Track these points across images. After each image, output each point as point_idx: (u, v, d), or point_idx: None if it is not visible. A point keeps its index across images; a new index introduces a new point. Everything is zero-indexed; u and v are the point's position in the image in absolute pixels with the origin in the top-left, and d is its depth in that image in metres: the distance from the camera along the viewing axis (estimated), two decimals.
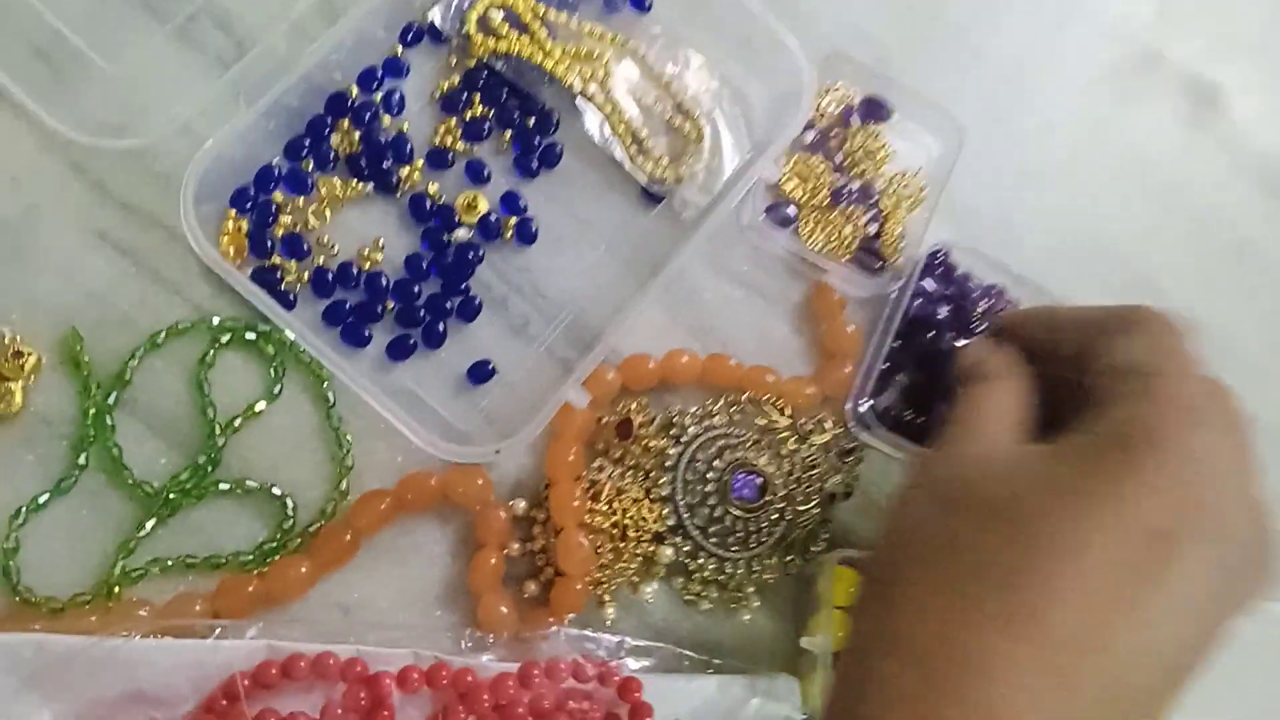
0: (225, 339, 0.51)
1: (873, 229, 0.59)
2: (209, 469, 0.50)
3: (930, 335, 0.57)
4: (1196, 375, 0.39)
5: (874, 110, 0.60)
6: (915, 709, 0.33)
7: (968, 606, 0.34)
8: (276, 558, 0.50)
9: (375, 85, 0.54)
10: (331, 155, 0.53)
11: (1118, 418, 0.37)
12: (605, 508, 0.52)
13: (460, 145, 0.55)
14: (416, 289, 0.53)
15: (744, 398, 0.55)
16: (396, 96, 0.54)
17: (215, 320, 0.51)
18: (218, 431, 0.50)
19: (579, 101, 0.56)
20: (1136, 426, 0.36)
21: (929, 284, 0.58)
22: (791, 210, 0.58)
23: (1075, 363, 0.42)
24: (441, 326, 0.53)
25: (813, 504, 0.54)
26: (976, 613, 0.34)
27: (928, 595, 0.35)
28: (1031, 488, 0.36)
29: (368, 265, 0.53)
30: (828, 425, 0.56)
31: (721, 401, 0.55)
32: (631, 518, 0.52)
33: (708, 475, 0.54)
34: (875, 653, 0.36)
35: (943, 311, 0.57)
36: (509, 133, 0.55)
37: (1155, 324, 0.41)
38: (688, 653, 0.52)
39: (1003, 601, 0.34)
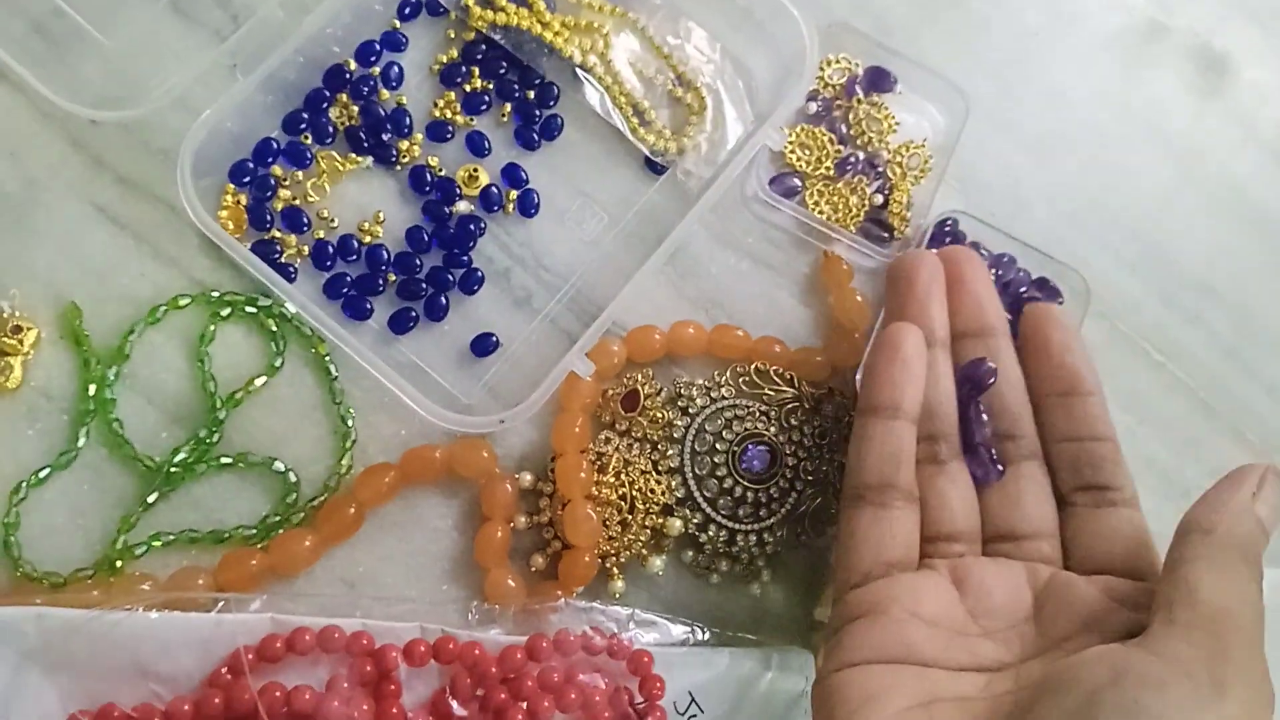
0: (225, 313, 0.50)
1: (879, 199, 0.58)
2: (211, 443, 0.49)
3: None
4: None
5: (878, 81, 0.59)
6: None
7: None
8: (280, 532, 0.49)
9: (373, 58, 0.54)
10: (330, 128, 0.53)
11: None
12: (613, 480, 0.51)
13: (460, 118, 0.54)
14: (418, 262, 0.52)
15: (751, 368, 0.54)
16: (395, 70, 0.54)
17: (215, 294, 0.50)
18: (219, 405, 0.49)
19: (579, 73, 0.55)
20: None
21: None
22: (796, 181, 0.57)
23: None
24: (444, 299, 0.52)
25: (824, 474, 0.53)
26: None
27: None
28: None
29: (368, 238, 0.52)
30: (838, 395, 0.55)
31: (729, 373, 0.54)
32: (639, 490, 0.52)
33: (716, 446, 0.53)
34: None
35: None
36: (509, 105, 0.55)
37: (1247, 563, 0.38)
38: (698, 625, 0.51)
39: None
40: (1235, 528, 0.38)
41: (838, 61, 0.60)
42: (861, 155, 0.58)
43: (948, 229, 0.58)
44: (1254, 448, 0.61)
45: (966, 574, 0.44)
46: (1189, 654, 0.34)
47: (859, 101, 0.59)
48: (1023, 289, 0.57)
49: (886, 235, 0.58)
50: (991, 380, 0.48)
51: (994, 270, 0.57)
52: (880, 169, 0.58)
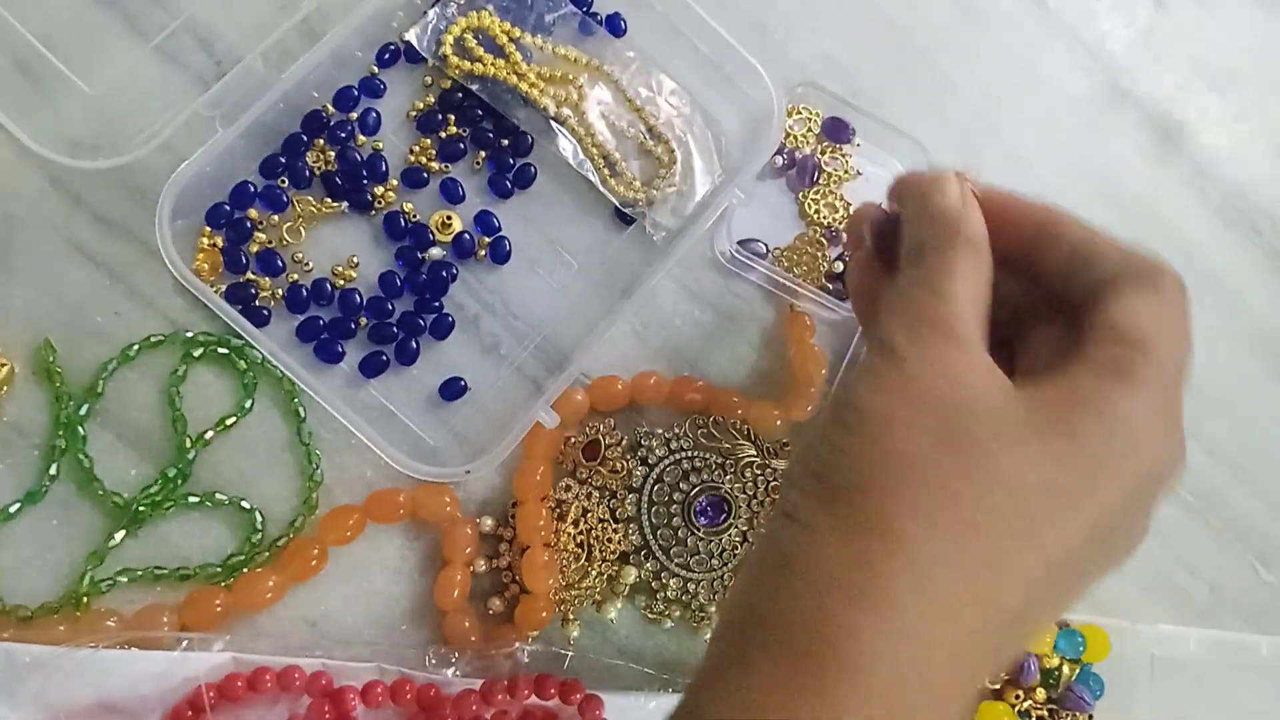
0: (198, 353, 0.51)
1: (839, 266, 0.60)
2: (179, 481, 0.50)
3: None
4: (1185, 359, 0.37)
5: (837, 132, 0.61)
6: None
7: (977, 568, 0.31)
8: (244, 571, 0.50)
9: (352, 105, 0.55)
10: (308, 173, 0.54)
11: (1106, 397, 0.34)
12: (571, 528, 0.53)
13: (435, 165, 0.56)
14: (390, 306, 0.53)
15: (710, 421, 0.56)
16: (373, 116, 0.55)
17: (188, 334, 0.51)
18: (188, 444, 0.50)
19: (553, 124, 0.56)
20: (1121, 424, 0.33)
21: None
22: (763, 245, 0.59)
23: (1054, 280, 0.39)
24: (415, 343, 0.53)
25: None
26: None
27: (941, 543, 0.31)
28: (1021, 444, 0.32)
29: (342, 282, 0.53)
30: (791, 450, 0.57)
31: (688, 424, 0.56)
32: (597, 537, 0.53)
33: (674, 497, 0.55)
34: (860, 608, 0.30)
35: None
36: (484, 153, 0.56)
37: (1171, 291, 0.38)
38: (649, 671, 0.53)
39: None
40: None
41: (799, 112, 0.61)
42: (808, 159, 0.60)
43: None
44: (1190, 506, 0.63)
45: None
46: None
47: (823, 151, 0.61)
48: None
49: (844, 294, 0.59)
50: None
51: None
52: (835, 232, 0.60)
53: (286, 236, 0.53)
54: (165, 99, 0.52)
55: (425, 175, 0.55)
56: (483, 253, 0.55)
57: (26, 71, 0.51)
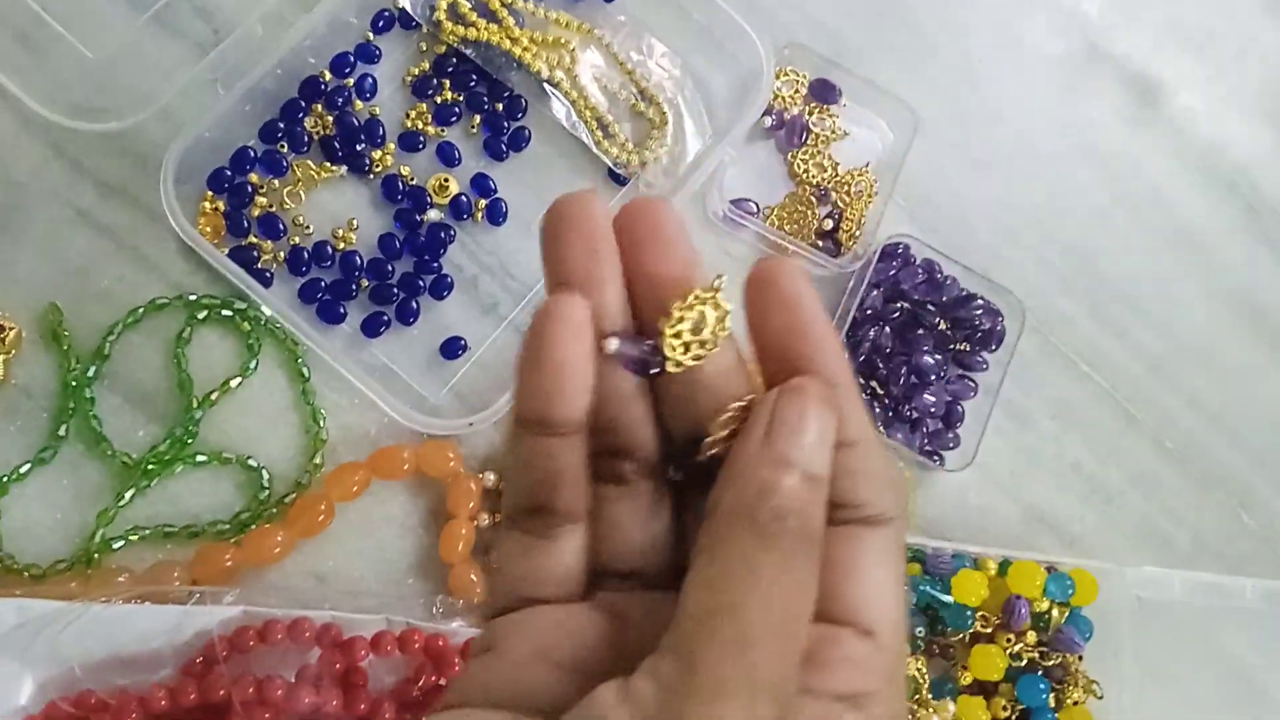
0: (202, 315, 0.52)
1: (829, 224, 0.61)
2: (186, 441, 0.51)
3: (881, 325, 0.60)
4: None
5: (824, 93, 0.62)
6: None
7: None
8: (253, 527, 0.51)
9: (348, 70, 0.56)
10: (306, 138, 0.55)
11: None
12: None
13: (431, 129, 0.57)
14: (390, 267, 0.54)
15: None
16: (369, 81, 0.56)
17: (192, 297, 0.52)
18: (195, 405, 0.51)
19: (546, 87, 0.57)
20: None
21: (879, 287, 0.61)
22: (753, 205, 0.60)
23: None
24: (414, 304, 0.54)
25: None
26: None
27: None
28: None
29: (342, 245, 0.54)
30: None
31: None
32: None
33: None
34: None
35: (892, 307, 0.61)
36: (478, 117, 0.57)
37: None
38: None
39: None
40: (742, 494, 0.26)
41: (786, 74, 0.62)
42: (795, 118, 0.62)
43: (899, 251, 0.61)
44: (1172, 455, 0.65)
45: (629, 608, 0.30)
46: (645, 692, 0.24)
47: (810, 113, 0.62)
48: (962, 310, 0.60)
49: (837, 250, 0.61)
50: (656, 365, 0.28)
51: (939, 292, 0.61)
52: (825, 191, 0.61)
53: (287, 200, 0.54)
54: (164, 66, 0.53)
55: (422, 139, 0.56)
56: (480, 214, 0.56)
57: (28, 39, 0.52)
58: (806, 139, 0.62)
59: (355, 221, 0.55)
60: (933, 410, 0.60)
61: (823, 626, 0.27)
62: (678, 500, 0.30)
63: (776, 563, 0.25)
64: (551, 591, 0.31)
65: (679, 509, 0.30)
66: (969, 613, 0.57)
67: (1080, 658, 0.59)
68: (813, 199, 0.61)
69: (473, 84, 0.57)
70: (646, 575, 0.31)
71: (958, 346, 0.61)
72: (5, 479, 0.49)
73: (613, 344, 0.27)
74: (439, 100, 0.57)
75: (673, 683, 0.24)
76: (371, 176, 0.55)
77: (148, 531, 0.50)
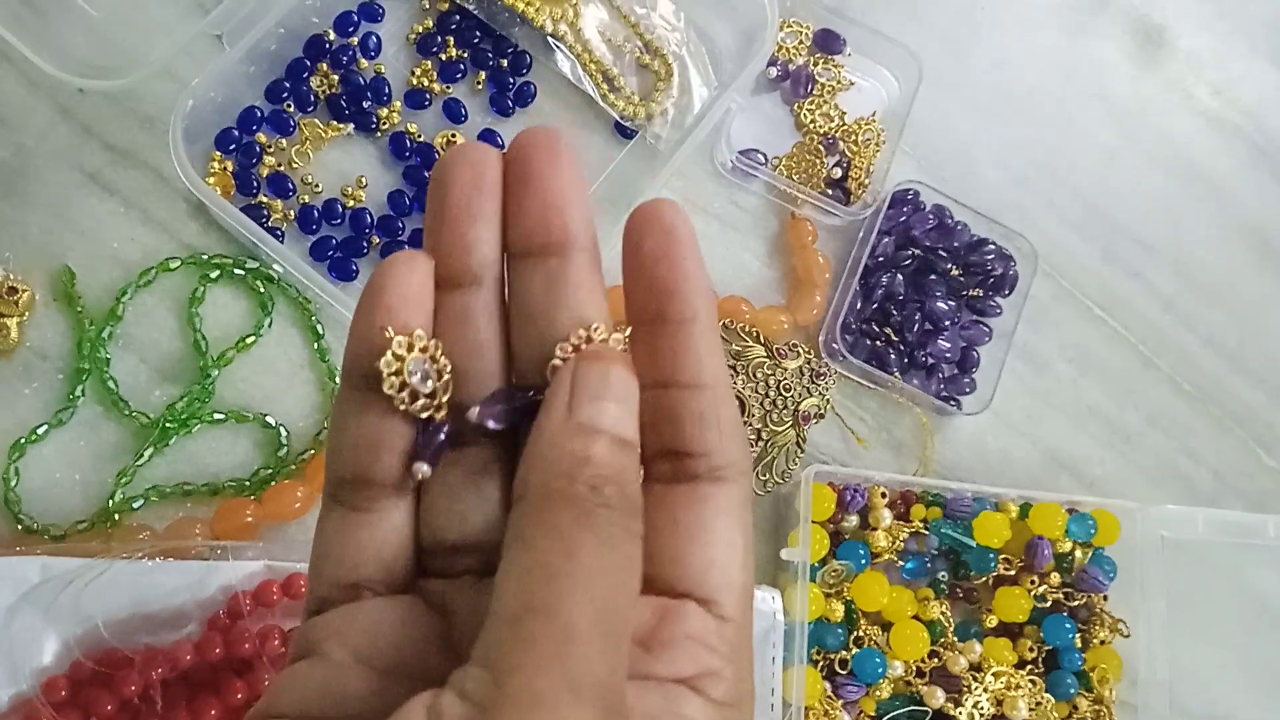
0: (215, 275, 0.52)
1: (838, 173, 0.61)
2: (203, 400, 0.51)
3: (894, 272, 0.60)
4: None
5: (828, 43, 0.62)
6: None
7: None
8: (272, 484, 0.51)
9: (352, 28, 0.56)
10: (312, 97, 0.55)
11: None
12: None
13: (437, 86, 0.56)
14: (401, 224, 0.54)
15: (720, 324, 0.57)
16: (373, 40, 0.56)
17: (205, 257, 0.52)
18: (210, 364, 0.51)
19: (551, 40, 0.57)
20: None
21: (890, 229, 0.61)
22: (761, 156, 0.60)
23: None
24: None
25: (787, 424, 0.56)
26: None
27: None
28: None
29: (352, 203, 0.54)
30: (800, 350, 0.58)
31: None
32: None
33: None
34: None
35: (904, 254, 0.60)
36: (484, 73, 0.57)
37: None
38: None
39: None
40: (552, 470, 0.24)
41: (790, 25, 0.62)
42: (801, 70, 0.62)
43: (909, 197, 0.61)
44: (1190, 396, 0.64)
45: (456, 600, 0.28)
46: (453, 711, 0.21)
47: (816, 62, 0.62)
48: (974, 255, 0.60)
49: (847, 199, 0.60)
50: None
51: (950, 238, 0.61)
52: (833, 140, 0.61)
53: (295, 159, 0.54)
54: (167, 25, 0.53)
55: (427, 96, 0.56)
56: None
57: (31, 3, 0.52)
58: (812, 89, 0.62)
59: (364, 179, 0.55)
60: (948, 355, 0.60)
61: (660, 600, 0.25)
62: (509, 466, 0.27)
63: (597, 541, 0.23)
64: (373, 574, 0.29)
65: (511, 474, 0.26)
66: (991, 555, 0.57)
67: (1105, 597, 0.59)
68: (820, 148, 0.61)
69: (477, 40, 0.57)
70: (483, 548, 0.28)
71: (971, 292, 0.61)
72: (23, 441, 0.49)
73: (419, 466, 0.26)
74: (443, 57, 0.57)
75: (481, 698, 0.21)
76: (379, 135, 0.55)
77: (167, 490, 0.50)
